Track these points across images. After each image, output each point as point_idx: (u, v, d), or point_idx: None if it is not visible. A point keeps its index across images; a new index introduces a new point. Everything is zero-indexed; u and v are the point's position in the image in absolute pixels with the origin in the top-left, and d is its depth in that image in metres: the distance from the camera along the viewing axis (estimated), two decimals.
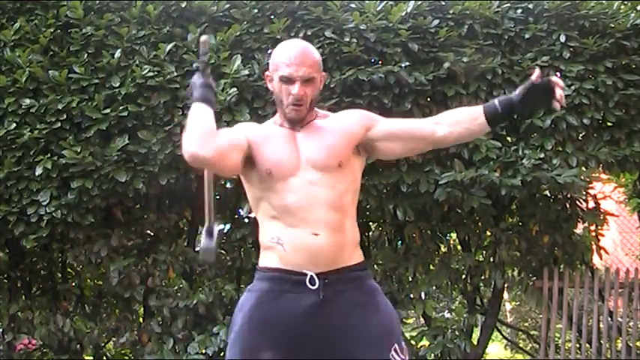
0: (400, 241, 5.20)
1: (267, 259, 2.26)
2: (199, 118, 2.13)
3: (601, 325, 5.16)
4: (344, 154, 2.27)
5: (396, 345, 2.22)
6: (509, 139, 4.90)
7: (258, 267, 2.30)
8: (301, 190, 2.20)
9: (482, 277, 5.12)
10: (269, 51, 4.73)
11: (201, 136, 2.10)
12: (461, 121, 2.33)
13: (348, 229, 2.26)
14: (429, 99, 4.79)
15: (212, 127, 2.13)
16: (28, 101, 4.54)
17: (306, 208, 2.19)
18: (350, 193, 2.29)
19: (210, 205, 2.38)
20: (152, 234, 5.08)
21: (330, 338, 2.18)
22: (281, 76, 2.24)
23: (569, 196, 5.04)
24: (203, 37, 2.31)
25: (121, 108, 4.50)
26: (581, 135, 4.93)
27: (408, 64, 4.65)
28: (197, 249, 2.58)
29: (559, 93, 2.24)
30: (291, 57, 2.24)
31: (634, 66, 4.91)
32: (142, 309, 5.18)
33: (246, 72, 4.52)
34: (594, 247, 5.23)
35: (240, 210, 5.04)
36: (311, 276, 2.18)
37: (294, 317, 2.18)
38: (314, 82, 2.26)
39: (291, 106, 2.25)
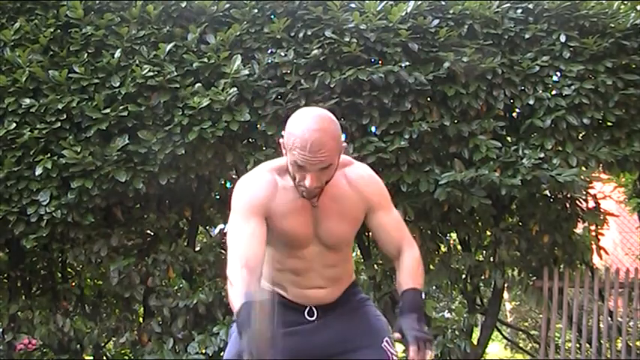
0: None
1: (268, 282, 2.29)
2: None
3: (601, 325, 5.15)
4: (352, 236, 2.31)
5: (387, 338, 2.28)
6: (509, 139, 4.90)
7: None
8: (309, 258, 2.23)
9: (482, 277, 5.12)
10: (269, 51, 4.77)
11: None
12: (400, 274, 2.24)
13: (346, 273, 2.34)
14: (429, 99, 4.79)
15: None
16: (28, 101, 4.54)
17: (311, 271, 2.24)
18: (350, 244, 2.38)
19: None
20: (152, 234, 5.08)
21: (326, 345, 2.26)
22: (294, 161, 2.04)
23: (569, 195, 5.03)
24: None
25: (121, 108, 4.50)
26: (581, 135, 4.93)
27: (408, 63, 4.65)
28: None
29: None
30: (306, 144, 1.98)
31: (634, 66, 4.91)
32: (142, 309, 5.18)
33: (246, 72, 4.53)
34: (594, 246, 5.22)
35: None
36: (310, 308, 2.26)
37: (293, 326, 2.22)
38: (330, 167, 2.07)
39: (302, 191, 2.11)
